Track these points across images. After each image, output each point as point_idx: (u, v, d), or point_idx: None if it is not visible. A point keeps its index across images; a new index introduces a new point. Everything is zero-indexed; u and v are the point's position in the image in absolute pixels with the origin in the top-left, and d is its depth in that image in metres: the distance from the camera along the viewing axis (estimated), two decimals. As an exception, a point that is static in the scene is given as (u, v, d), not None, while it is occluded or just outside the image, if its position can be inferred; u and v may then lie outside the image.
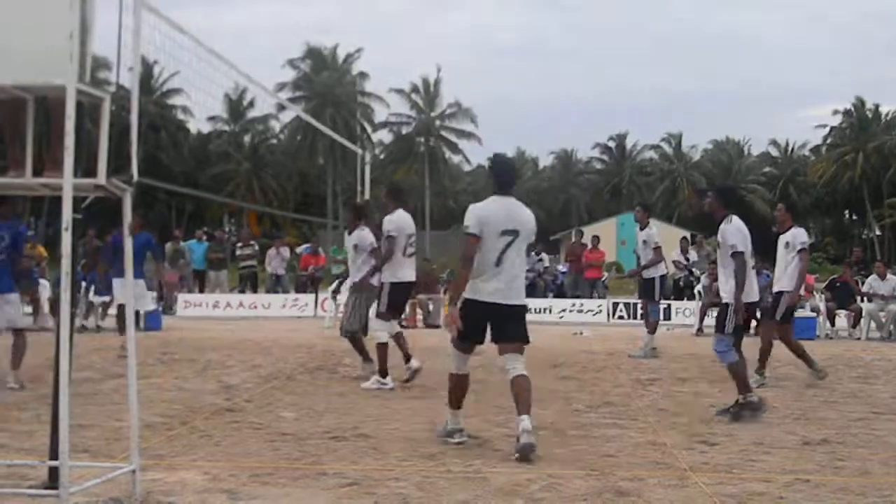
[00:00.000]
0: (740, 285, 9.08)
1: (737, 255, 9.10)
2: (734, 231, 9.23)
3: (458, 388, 7.73)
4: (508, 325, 7.54)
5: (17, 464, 6.22)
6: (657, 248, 14.99)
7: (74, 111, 5.00)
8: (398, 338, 11.28)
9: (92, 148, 5.37)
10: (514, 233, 7.46)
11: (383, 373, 10.98)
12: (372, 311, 11.80)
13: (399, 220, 11.07)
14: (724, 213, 9.44)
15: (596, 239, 27.25)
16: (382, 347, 11.00)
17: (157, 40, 6.12)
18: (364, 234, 11.84)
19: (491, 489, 6.02)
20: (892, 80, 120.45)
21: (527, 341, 7.59)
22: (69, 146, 4.99)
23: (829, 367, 13.70)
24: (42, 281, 20.55)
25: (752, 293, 9.40)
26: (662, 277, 15.29)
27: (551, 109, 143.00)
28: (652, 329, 15.10)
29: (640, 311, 18.43)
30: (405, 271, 11.21)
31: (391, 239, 10.96)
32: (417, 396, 10.28)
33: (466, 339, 7.58)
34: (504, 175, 7.81)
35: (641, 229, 15.31)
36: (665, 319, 22.60)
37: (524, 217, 7.62)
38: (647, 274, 15.15)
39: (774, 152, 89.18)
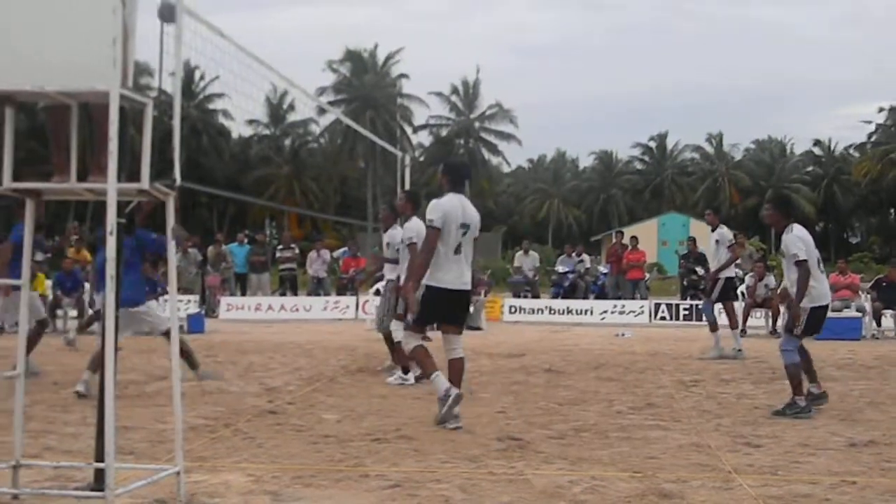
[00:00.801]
0: (801, 293, 9.24)
1: (800, 264, 9.26)
2: (795, 240, 9.39)
3: (424, 356, 8.57)
4: (460, 310, 8.73)
5: (63, 465, 6.29)
6: (731, 246, 14.96)
7: (118, 116, 5.05)
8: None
9: (135, 153, 5.42)
10: (467, 226, 8.51)
11: (405, 369, 11.15)
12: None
13: (419, 227, 11.16)
14: (784, 223, 9.61)
15: (634, 240, 27.15)
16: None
17: (198, 45, 6.18)
18: (395, 233, 12.04)
19: (534, 491, 6.01)
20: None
21: (464, 324, 8.84)
22: (113, 151, 5.03)
23: (876, 369, 13.59)
24: (87, 285, 20.75)
25: (823, 297, 9.59)
26: (728, 279, 15.19)
27: (591, 110, 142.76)
28: (713, 328, 15.03)
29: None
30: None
31: (413, 246, 10.99)
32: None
33: (426, 323, 8.70)
34: (458, 175, 8.95)
35: (712, 231, 15.29)
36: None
37: (474, 213, 8.68)
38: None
39: (818, 151, 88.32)
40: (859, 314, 20.29)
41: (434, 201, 8.54)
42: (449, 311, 8.58)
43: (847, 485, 6.25)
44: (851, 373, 12.86)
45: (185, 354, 10.38)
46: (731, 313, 15.43)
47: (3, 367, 8.98)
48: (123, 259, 10.17)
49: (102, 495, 4.97)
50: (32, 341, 11.40)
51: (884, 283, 20.98)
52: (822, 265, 9.72)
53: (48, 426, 8.21)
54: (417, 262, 8.68)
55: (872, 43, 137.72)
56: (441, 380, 8.38)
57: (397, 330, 11.35)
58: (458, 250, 8.43)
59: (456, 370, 8.56)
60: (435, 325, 9.21)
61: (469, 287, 8.66)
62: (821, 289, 9.56)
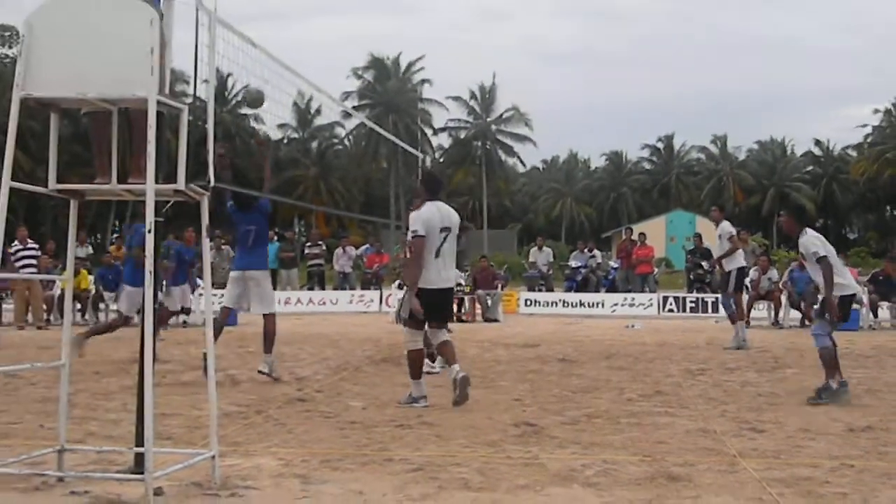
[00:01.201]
0: (830, 283, 9.31)
1: (821, 259, 9.38)
2: (812, 240, 9.53)
3: (417, 361, 8.96)
4: (446, 306, 9.33)
5: (105, 450, 6.31)
6: (731, 238, 14.87)
7: (155, 121, 5.07)
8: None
9: (171, 155, 5.45)
10: (448, 230, 8.83)
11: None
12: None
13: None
14: (798, 229, 9.74)
15: (643, 236, 27.16)
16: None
17: (230, 54, 6.19)
18: None
19: (548, 474, 6.00)
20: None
21: (450, 318, 9.23)
22: (151, 154, 5.06)
23: (873, 358, 13.53)
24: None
25: (848, 287, 9.62)
26: (740, 269, 15.05)
27: (602, 113, 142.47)
28: (733, 319, 14.94)
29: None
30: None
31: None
32: (477, 387, 10.26)
33: (422, 320, 8.87)
34: (433, 185, 9.24)
35: (716, 227, 15.27)
36: (713, 312, 22.48)
37: (453, 216, 8.99)
38: (725, 266, 14.98)
39: (817, 151, 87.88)
40: (857, 306, 20.17)
41: (414, 213, 8.94)
42: (433, 307, 8.82)
43: (846, 468, 6.22)
44: (850, 361, 12.76)
45: (268, 337, 10.95)
46: (739, 304, 15.32)
47: (49, 358, 9.04)
48: (256, 230, 11.06)
49: (142, 478, 5.00)
50: (103, 330, 12.67)
51: (880, 277, 20.92)
52: (440, 253, 9.41)
53: (91, 413, 8.25)
54: (411, 272, 8.93)
55: (868, 49, 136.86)
56: (420, 388, 8.93)
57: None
58: (438, 253, 8.78)
59: (448, 350, 8.99)
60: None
61: (451, 284, 9.14)
62: (844, 280, 9.58)
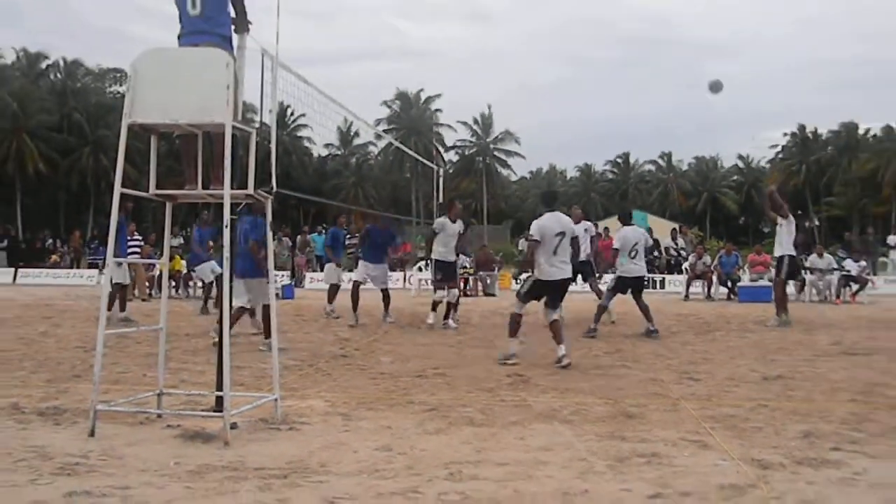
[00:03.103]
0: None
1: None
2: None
3: (515, 323, 8.78)
4: (560, 293, 8.76)
5: (193, 393, 6.33)
6: (594, 238, 13.38)
7: (231, 141, 5.08)
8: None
9: (244, 168, 5.44)
10: (562, 234, 8.62)
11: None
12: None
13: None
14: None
15: (607, 230, 27.25)
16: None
17: (288, 89, 6.19)
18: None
19: (533, 413, 6.00)
20: (826, 108, 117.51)
21: (560, 302, 8.78)
22: (227, 166, 5.07)
23: (783, 323, 13.48)
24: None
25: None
26: (587, 263, 13.37)
27: (575, 134, 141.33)
28: (599, 295, 13.23)
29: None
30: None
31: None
32: (479, 346, 10.27)
33: (531, 299, 8.81)
34: (548, 199, 9.13)
35: (576, 223, 11.98)
36: (660, 289, 22.48)
37: (566, 222, 8.79)
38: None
39: (741, 164, 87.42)
40: (770, 283, 20.14)
41: (535, 221, 8.74)
42: (549, 294, 8.69)
43: (762, 407, 6.21)
44: (764, 326, 12.74)
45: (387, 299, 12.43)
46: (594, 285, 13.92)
47: (150, 323, 9.06)
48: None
49: (221, 415, 5.01)
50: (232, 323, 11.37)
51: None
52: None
53: (182, 365, 8.27)
54: (526, 261, 9.10)
55: (780, 83, 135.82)
56: (512, 346, 8.67)
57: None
58: (556, 252, 8.56)
59: (555, 329, 8.59)
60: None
61: (568, 275, 8.75)
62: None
